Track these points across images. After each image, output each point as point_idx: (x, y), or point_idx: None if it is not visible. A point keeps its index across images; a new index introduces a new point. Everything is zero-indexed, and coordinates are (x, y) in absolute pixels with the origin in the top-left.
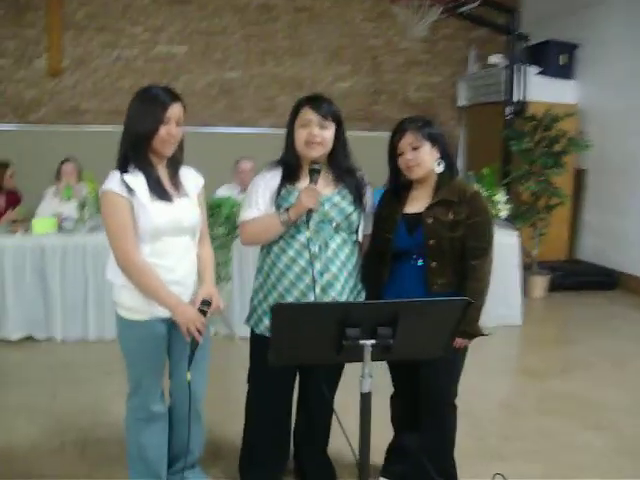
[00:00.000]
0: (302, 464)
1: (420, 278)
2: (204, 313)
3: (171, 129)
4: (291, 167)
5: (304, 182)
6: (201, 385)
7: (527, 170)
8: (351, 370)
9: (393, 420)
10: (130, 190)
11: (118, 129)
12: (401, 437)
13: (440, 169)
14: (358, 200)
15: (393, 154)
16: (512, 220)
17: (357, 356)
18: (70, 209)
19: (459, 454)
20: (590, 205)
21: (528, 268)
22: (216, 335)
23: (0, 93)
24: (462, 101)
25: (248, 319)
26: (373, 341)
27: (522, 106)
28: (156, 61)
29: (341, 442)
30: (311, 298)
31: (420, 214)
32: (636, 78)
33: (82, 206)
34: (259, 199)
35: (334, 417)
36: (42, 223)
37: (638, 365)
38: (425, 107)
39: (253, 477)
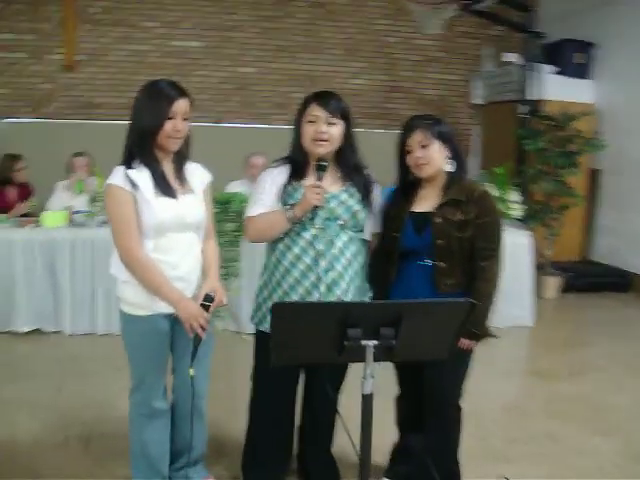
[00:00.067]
0: (306, 464)
1: (428, 278)
2: (206, 308)
3: (177, 124)
4: (298, 163)
5: (311, 179)
6: (203, 382)
7: (541, 170)
8: (356, 370)
9: (398, 421)
10: (134, 185)
11: None
12: (406, 438)
13: (450, 168)
14: (365, 198)
15: (402, 152)
16: (525, 220)
17: (359, 357)
18: (81, 203)
19: (464, 455)
20: (605, 206)
21: (541, 268)
22: (225, 331)
23: (15, 87)
24: (477, 99)
25: (253, 316)
26: (375, 342)
27: (537, 105)
28: (171, 56)
29: (345, 441)
30: (316, 296)
31: (428, 213)
32: None
33: (93, 200)
34: (265, 195)
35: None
36: (52, 216)
37: None
38: (440, 105)
39: (255, 476)
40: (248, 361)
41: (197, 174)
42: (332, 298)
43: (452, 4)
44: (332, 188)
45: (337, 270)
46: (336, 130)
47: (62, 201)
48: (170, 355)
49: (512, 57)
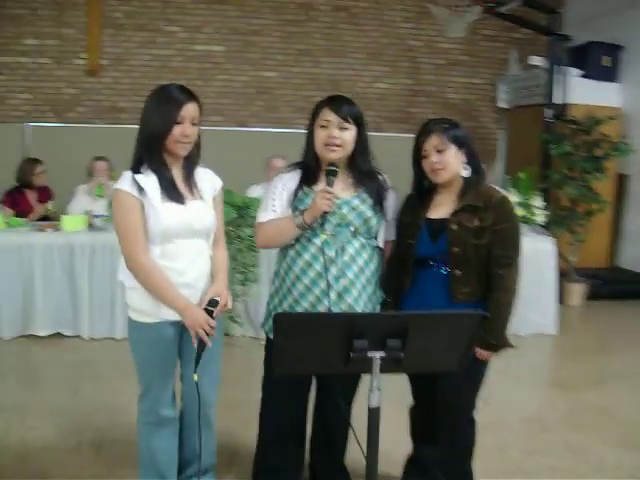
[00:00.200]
0: (318, 475)
1: (443, 286)
2: (210, 313)
3: (185, 129)
4: (310, 169)
5: (322, 184)
6: (211, 390)
7: (566, 175)
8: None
9: (412, 432)
10: (141, 190)
11: None
12: (419, 450)
13: (466, 173)
14: (378, 205)
15: (417, 156)
16: (547, 226)
17: (365, 368)
18: (101, 207)
19: (480, 466)
20: (632, 211)
21: (565, 275)
22: (243, 337)
23: (39, 92)
24: (502, 103)
25: (263, 324)
26: (382, 353)
27: (563, 109)
28: (193, 60)
29: (358, 451)
30: (325, 304)
31: (444, 220)
32: None
33: (111, 204)
34: (276, 201)
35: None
36: (72, 220)
37: None
38: (464, 109)
39: None
40: None
41: (207, 180)
42: (343, 306)
43: (476, 7)
44: (344, 194)
45: (348, 277)
46: (349, 135)
47: (82, 205)
48: (178, 362)
49: (538, 60)
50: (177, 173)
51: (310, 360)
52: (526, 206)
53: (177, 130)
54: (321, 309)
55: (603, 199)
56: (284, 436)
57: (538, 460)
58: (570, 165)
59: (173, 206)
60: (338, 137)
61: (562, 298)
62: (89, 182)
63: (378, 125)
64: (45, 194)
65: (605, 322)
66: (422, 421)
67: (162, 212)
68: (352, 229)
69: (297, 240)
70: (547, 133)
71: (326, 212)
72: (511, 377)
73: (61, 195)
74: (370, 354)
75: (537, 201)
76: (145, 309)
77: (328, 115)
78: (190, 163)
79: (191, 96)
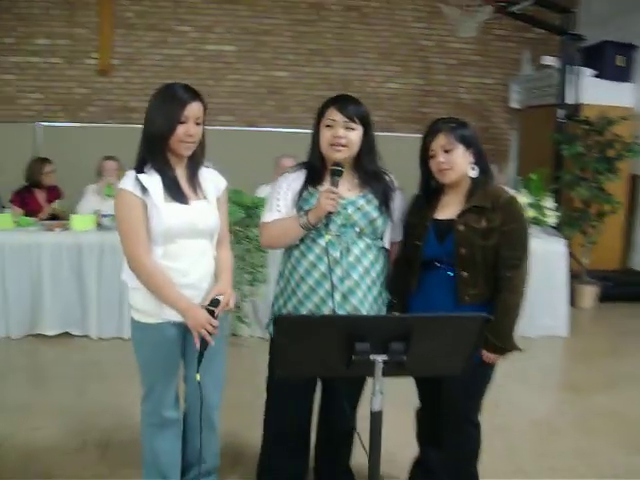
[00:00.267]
0: (323, 477)
1: (450, 288)
2: (212, 313)
3: (189, 129)
4: (315, 169)
5: (327, 184)
6: (214, 392)
7: (578, 175)
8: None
9: (418, 434)
10: (144, 190)
11: None
12: (425, 452)
13: (474, 173)
14: (384, 205)
15: (425, 156)
16: (558, 227)
17: (368, 371)
18: (110, 206)
19: (488, 469)
20: None
21: (577, 277)
22: (251, 338)
23: (51, 92)
24: (514, 103)
25: (268, 325)
26: (385, 356)
27: (575, 109)
28: (205, 60)
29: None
30: (330, 305)
31: (451, 221)
32: None
33: None
34: (280, 201)
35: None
36: (81, 220)
37: None
38: (476, 109)
39: None
40: None
41: (211, 180)
42: (348, 307)
43: (487, 7)
44: (349, 194)
45: (353, 278)
46: (354, 135)
47: (91, 204)
48: (182, 363)
49: (550, 60)
50: (181, 173)
51: (311, 362)
52: (537, 207)
53: (181, 130)
54: (325, 310)
55: (615, 200)
56: (288, 437)
57: (546, 464)
58: (582, 166)
59: (176, 206)
60: (344, 137)
61: (573, 300)
62: (98, 182)
63: (389, 125)
64: (54, 193)
65: (617, 324)
66: (428, 423)
67: (164, 212)
68: (357, 230)
69: (302, 240)
70: (559, 133)
71: (330, 212)
72: (521, 380)
73: (71, 195)
74: (372, 357)
75: (548, 202)
76: (148, 310)
77: (334, 114)
78: (194, 163)
79: (195, 95)
